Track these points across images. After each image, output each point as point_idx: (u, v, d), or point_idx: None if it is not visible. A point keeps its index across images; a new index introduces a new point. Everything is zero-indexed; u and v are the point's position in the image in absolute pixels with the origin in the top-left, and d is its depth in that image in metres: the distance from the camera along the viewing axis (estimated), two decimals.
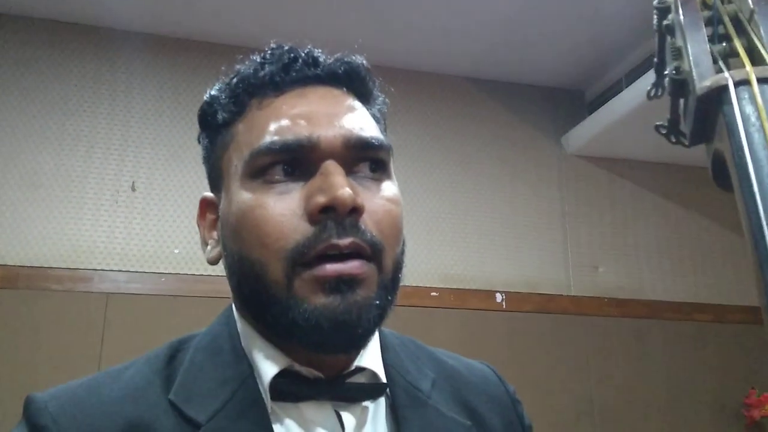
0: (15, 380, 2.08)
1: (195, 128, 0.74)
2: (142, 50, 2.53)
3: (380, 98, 0.72)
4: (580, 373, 2.60)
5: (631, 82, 2.59)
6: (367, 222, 0.60)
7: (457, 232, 2.66)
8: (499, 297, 2.59)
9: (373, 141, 0.64)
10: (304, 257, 0.59)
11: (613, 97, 2.67)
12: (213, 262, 0.68)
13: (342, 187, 0.58)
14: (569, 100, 2.97)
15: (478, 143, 2.81)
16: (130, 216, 2.37)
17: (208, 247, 0.69)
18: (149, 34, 2.54)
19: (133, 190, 2.39)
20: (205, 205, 0.71)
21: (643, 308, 2.75)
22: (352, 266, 0.59)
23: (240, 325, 0.68)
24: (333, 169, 0.60)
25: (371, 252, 0.60)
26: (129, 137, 2.45)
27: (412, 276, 2.46)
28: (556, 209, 2.82)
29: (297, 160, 0.62)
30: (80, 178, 2.37)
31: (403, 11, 2.42)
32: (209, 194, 0.70)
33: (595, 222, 2.84)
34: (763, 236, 0.46)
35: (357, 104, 0.67)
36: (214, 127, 0.68)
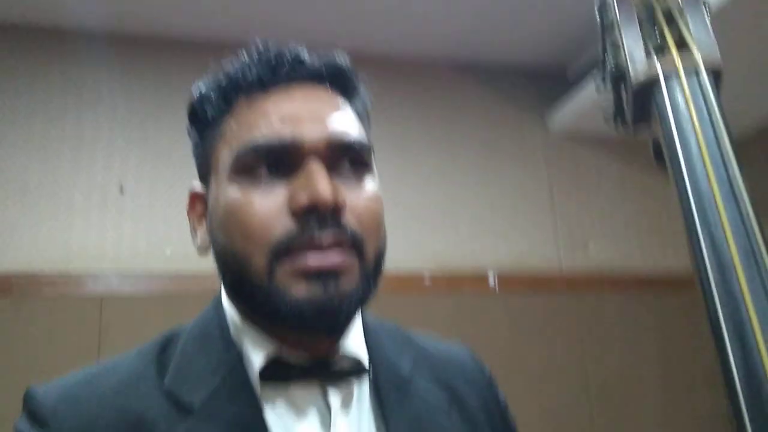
0: (13, 388, 2.07)
1: (180, 127, 0.76)
2: (123, 52, 2.52)
3: (364, 93, 0.75)
4: (574, 353, 2.63)
5: None
6: (348, 218, 0.63)
7: (446, 217, 2.67)
8: (491, 281, 2.61)
9: (355, 142, 0.67)
10: (287, 250, 0.61)
11: None
12: (202, 251, 0.72)
13: (324, 186, 0.61)
14: (552, 79, 2.97)
15: (462, 128, 2.81)
16: (120, 218, 2.37)
17: (198, 237, 0.72)
18: (130, 36, 2.53)
19: (122, 192, 2.39)
20: (195, 196, 0.74)
21: (635, 283, 2.78)
22: (332, 258, 0.61)
23: (228, 312, 0.71)
24: (315, 168, 0.63)
25: (352, 244, 0.63)
26: (114, 139, 2.44)
27: (403, 263, 2.48)
28: (543, 188, 2.83)
29: (282, 159, 0.64)
30: (68, 183, 2.36)
31: None
32: (198, 185, 0.73)
33: (582, 199, 2.86)
34: (692, 213, 0.52)
35: (340, 102, 0.70)
36: (204, 122, 0.71)
